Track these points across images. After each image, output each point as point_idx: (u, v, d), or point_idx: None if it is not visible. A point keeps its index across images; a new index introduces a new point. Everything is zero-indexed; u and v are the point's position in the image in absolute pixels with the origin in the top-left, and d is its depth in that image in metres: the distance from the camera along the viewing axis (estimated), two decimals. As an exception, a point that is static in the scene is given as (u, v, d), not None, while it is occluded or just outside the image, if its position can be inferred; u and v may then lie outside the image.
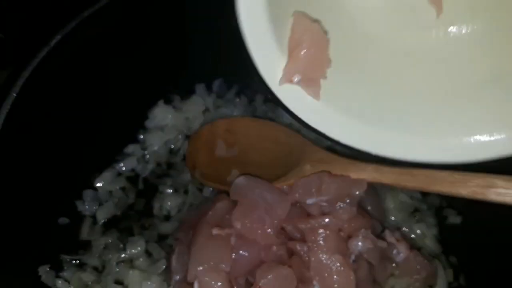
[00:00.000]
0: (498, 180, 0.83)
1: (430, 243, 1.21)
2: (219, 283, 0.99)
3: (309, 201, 1.08)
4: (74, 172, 1.19)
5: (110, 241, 1.16)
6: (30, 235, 1.06)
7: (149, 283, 1.07)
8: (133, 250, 1.13)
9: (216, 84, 1.45)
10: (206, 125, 1.29)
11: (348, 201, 1.07)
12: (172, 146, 1.36)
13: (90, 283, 1.09)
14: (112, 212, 1.22)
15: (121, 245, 1.15)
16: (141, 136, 1.35)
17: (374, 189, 1.24)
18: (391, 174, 0.96)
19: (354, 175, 1.01)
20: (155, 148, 1.33)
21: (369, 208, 1.18)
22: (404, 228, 1.23)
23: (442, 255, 1.20)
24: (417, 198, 1.28)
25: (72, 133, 1.16)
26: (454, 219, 1.24)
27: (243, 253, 1.02)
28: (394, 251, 1.13)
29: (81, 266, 1.13)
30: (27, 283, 1.03)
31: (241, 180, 1.10)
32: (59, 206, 1.16)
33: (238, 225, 1.03)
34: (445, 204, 1.28)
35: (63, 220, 1.16)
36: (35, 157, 1.08)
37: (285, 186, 1.12)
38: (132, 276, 1.08)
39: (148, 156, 1.33)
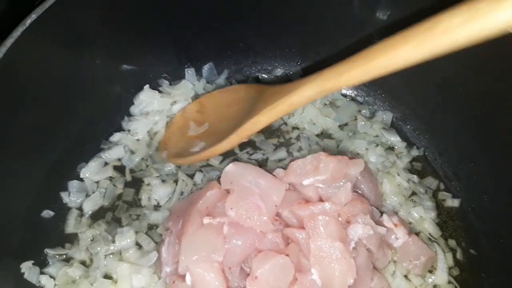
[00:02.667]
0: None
1: (429, 227, 1.19)
2: (212, 275, 0.95)
3: (306, 181, 1.06)
4: (58, 162, 1.13)
5: (97, 233, 1.11)
6: (11, 230, 1.00)
7: (139, 276, 1.03)
8: (122, 242, 1.09)
9: (206, 68, 1.40)
10: (178, 112, 1.31)
11: (343, 182, 1.06)
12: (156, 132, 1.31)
13: (78, 278, 1.04)
14: (100, 203, 1.17)
15: (110, 237, 1.10)
16: (126, 124, 1.30)
17: (370, 174, 1.22)
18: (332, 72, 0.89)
19: (307, 87, 0.94)
20: (140, 136, 1.28)
21: (366, 193, 1.16)
22: (401, 212, 1.21)
23: (441, 239, 1.18)
24: (413, 182, 1.26)
25: (52, 120, 1.09)
26: (452, 202, 1.22)
27: (237, 242, 0.98)
28: (393, 236, 1.12)
29: (68, 261, 1.07)
30: (8, 281, 0.96)
31: (231, 167, 1.06)
32: (43, 198, 1.11)
33: (232, 213, 0.99)
34: (442, 187, 1.26)
35: (47, 214, 1.11)
36: (13, 144, 1.00)
37: (281, 170, 1.10)
38: (121, 270, 1.04)
39: (133, 145, 1.27)
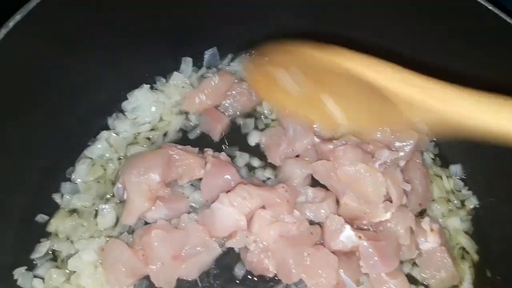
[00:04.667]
0: None
1: (464, 242, 1.11)
2: (144, 187, 1.03)
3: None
4: (51, 164, 1.11)
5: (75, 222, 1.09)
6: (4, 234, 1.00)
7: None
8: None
9: (208, 54, 1.31)
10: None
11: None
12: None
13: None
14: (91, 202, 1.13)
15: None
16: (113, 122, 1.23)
17: (426, 170, 1.17)
18: None
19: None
20: (125, 135, 1.22)
21: (416, 183, 1.11)
22: (440, 220, 1.14)
23: (476, 255, 1.06)
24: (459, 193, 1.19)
25: (42, 121, 1.05)
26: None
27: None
28: (422, 238, 1.06)
29: (55, 260, 1.06)
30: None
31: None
32: (37, 201, 1.09)
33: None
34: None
35: (41, 218, 1.09)
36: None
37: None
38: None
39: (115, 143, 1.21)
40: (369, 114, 0.92)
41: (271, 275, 1.04)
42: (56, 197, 1.12)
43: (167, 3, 1.11)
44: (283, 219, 1.05)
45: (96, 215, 1.10)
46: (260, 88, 1.08)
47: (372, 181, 1.02)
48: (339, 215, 1.06)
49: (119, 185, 1.08)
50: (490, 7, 0.95)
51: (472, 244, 1.12)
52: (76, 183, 1.15)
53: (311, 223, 1.08)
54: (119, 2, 1.05)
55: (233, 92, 1.25)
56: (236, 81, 1.26)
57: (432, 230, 1.06)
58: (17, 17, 0.89)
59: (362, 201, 1.05)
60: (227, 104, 1.25)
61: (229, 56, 1.33)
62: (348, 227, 1.03)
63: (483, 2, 0.95)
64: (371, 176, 1.02)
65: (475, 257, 1.11)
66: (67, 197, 1.12)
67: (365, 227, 1.08)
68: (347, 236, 1.02)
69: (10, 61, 0.92)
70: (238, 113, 1.26)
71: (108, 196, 1.14)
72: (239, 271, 1.06)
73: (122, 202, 1.09)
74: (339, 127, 1.02)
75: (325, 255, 1.01)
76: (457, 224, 1.14)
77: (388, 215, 1.04)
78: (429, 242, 1.06)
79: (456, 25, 1.02)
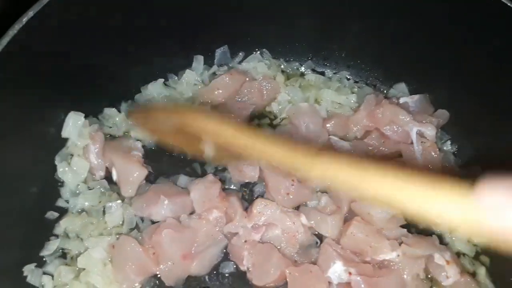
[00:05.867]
0: None
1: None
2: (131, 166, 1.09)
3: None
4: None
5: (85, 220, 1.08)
6: (12, 231, 0.98)
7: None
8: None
9: (219, 52, 1.30)
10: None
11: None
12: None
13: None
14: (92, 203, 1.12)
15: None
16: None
17: None
18: None
19: None
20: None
21: None
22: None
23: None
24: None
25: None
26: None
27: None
28: (443, 274, 1.00)
29: (65, 257, 1.05)
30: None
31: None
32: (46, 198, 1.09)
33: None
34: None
35: (52, 215, 1.08)
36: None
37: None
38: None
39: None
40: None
41: (241, 269, 1.04)
42: (60, 202, 1.11)
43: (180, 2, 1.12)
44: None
45: (104, 213, 1.09)
46: (138, 121, 1.15)
47: None
48: (341, 245, 1.04)
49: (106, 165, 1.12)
50: None
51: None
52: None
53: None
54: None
55: (245, 91, 1.24)
56: (247, 79, 1.25)
57: (448, 262, 1.00)
58: (30, 13, 0.89)
59: (370, 232, 1.02)
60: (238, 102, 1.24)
61: (240, 54, 1.32)
62: (339, 263, 0.99)
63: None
64: None
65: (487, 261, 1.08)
66: (72, 200, 1.11)
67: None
68: (335, 272, 0.99)
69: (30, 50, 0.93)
70: (250, 111, 1.25)
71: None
72: (247, 263, 1.04)
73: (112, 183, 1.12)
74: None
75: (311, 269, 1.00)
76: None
77: (393, 255, 1.00)
78: (451, 276, 1.00)
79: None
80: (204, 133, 0.89)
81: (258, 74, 1.30)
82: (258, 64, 1.31)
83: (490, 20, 1.00)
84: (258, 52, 1.33)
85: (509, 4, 0.95)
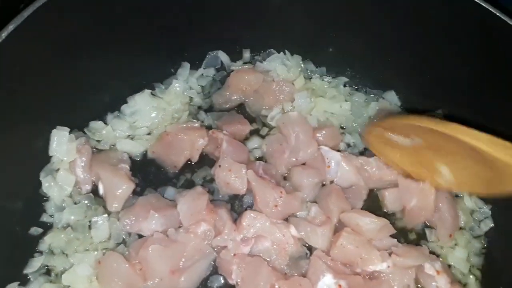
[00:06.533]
0: None
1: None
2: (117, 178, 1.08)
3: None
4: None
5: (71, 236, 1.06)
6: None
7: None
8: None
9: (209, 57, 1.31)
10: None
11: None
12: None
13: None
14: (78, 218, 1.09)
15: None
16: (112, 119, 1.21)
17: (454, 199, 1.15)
18: None
19: None
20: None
21: (446, 215, 1.10)
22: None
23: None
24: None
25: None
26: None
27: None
28: (433, 283, 1.01)
29: (49, 273, 1.03)
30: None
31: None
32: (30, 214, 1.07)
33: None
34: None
35: (36, 231, 1.06)
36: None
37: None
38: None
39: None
40: (475, 180, 0.97)
41: (230, 283, 1.02)
42: (45, 217, 1.09)
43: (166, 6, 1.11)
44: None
45: (90, 228, 1.07)
46: (374, 143, 1.15)
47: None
48: (330, 256, 1.03)
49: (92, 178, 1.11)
50: None
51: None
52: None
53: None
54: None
55: (260, 91, 1.26)
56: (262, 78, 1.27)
57: (438, 272, 1.01)
58: (11, 27, 0.88)
59: (360, 244, 1.02)
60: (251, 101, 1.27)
61: (245, 55, 1.33)
62: (328, 275, 0.99)
63: None
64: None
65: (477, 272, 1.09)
66: (57, 215, 1.08)
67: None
68: (325, 284, 0.98)
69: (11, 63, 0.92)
70: (263, 109, 1.27)
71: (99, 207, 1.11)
72: (236, 277, 1.02)
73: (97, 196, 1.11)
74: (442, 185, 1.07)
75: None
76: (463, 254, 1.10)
77: (384, 266, 1.00)
78: (441, 286, 1.01)
79: None
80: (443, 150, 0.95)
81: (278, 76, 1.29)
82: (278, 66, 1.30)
83: (484, 32, 1.00)
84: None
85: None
